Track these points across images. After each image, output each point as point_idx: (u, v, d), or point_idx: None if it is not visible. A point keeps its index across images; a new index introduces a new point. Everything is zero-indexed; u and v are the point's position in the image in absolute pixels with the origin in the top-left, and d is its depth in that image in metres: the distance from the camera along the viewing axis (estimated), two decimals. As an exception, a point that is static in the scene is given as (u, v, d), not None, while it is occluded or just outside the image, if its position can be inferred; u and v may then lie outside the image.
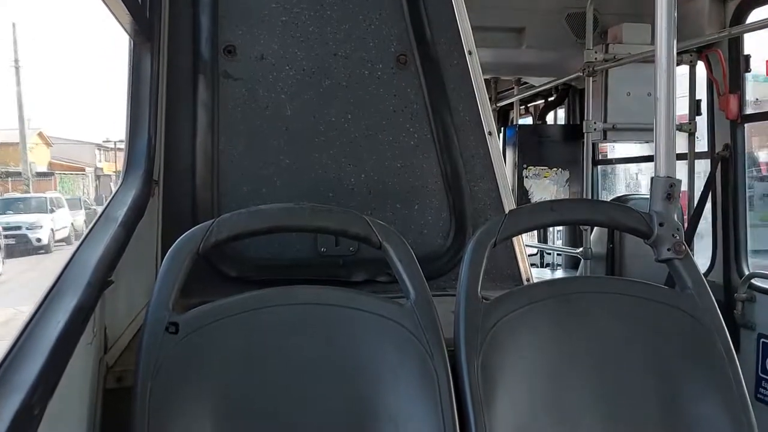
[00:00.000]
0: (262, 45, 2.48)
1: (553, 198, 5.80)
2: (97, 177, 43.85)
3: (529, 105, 7.20)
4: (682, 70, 4.29)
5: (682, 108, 4.37)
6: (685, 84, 4.39)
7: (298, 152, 2.49)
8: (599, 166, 6.15)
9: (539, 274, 5.84)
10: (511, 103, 6.86)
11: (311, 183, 2.49)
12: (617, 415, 1.73)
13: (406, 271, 1.74)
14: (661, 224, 1.86)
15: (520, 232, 2.08)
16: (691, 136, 4.40)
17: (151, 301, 1.64)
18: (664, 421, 1.73)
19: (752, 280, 3.85)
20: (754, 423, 1.71)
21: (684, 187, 4.28)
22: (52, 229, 23.61)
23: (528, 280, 2.52)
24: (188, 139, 2.42)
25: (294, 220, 1.84)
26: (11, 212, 23.69)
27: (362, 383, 1.66)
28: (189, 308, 1.66)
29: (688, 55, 4.20)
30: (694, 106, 4.39)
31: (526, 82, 6.46)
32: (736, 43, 3.98)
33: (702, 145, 4.37)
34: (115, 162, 44.39)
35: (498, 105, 6.99)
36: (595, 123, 4.80)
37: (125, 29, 2.08)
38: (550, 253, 6.57)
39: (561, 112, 6.75)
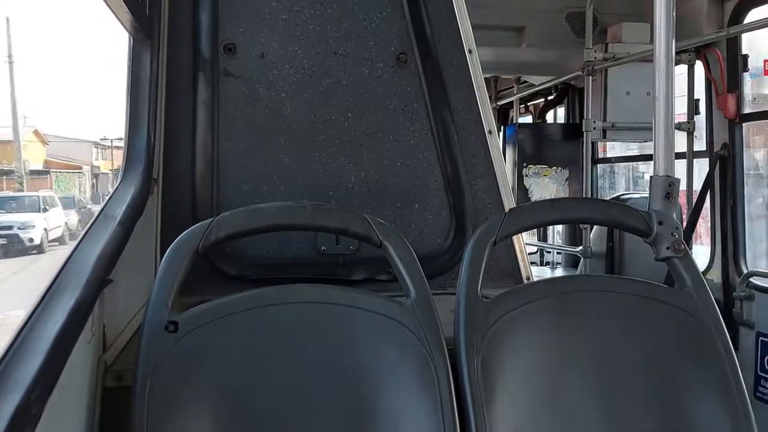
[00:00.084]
0: (262, 43, 2.48)
1: (553, 196, 5.81)
2: (95, 176, 43.68)
3: (528, 104, 7.21)
4: (681, 70, 4.30)
5: (680, 107, 4.38)
6: (683, 83, 4.40)
7: (298, 151, 2.49)
8: (599, 165, 6.15)
9: (539, 273, 5.85)
10: (511, 102, 6.86)
11: (311, 181, 2.49)
12: (617, 413, 1.74)
13: (407, 269, 1.74)
14: (660, 223, 1.86)
15: (520, 231, 2.08)
16: (690, 135, 4.40)
17: (150, 299, 1.64)
18: (663, 419, 1.73)
19: (751, 279, 3.86)
20: (753, 421, 1.71)
21: (683, 186, 4.28)
22: (45, 229, 23.10)
23: (528, 278, 2.52)
24: (188, 138, 2.42)
25: (294, 219, 1.84)
26: (3, 211, 23.10)
27: (362, 381, 1.66)
28: (188, 307, 1.66)
29: (686, 54, 4.20)
30: (693, 106, 4.40)
31: (525, 81, 6.46)
32: (734, 43, 3.99)
33: (701, 144, 4.37)
34: (112, 160, 44.22)
35: (498, 104, 6.99)
36: (594, 122, 4.81)
37: (125, 27, 2.08)
38: (549, 252, 6.57)
39: (561, 111, 6.76)
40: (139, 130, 2.18)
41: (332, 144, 2.51)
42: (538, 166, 6.00)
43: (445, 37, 2.54)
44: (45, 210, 24.01)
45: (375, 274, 2.41)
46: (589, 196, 5.42)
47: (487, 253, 1.80)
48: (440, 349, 1.67)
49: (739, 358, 1.80)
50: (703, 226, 4.48)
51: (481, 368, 1.67)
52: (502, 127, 6.52)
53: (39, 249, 22.16)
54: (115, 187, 2.09)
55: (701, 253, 4.39)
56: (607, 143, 6.04)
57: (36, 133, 38.92)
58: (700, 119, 4.36)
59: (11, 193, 28.10)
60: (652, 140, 1.96)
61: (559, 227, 6.45)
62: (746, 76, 4.05)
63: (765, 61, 4.12)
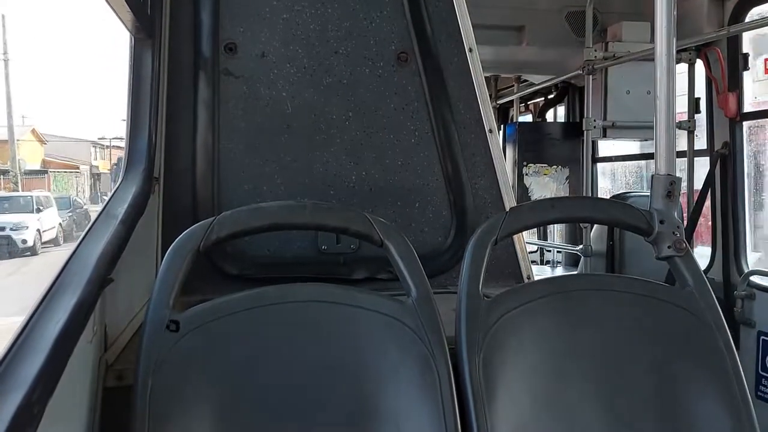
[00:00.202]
0: (263, 42, 2.48)
1: (553, 195, 5.81)
2: (93, 175, 43.47)
3: (529, 102, 7.20)
4: (682, 69, 4.30)
5: (681, 106, 4.37)
6: (684, 82, 4.39)
7: (299, 150, 2.49)
8: (599, 164, 6.15)
9: (539, 272, 5.85)
10: (511, 101, 6.85)
11: (312, 180, 2.49)
12: (618, 411, 1.73)
13: (408, 268, 1.74)
14: (661, 222, 1.86)
15: (521, 230, 2.08)
16: (691, 134, 4.40)
17: (151, 298, 1.64)
18: (665, 417, 1.73)
19: (752, 278, 3.85)
20: (754, 420, 1.71)
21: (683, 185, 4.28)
22: (38, 230, 22.44)
23: (529, 277, 2.52)
24: (189, 137, 2.42)
25: (295, 218, 1.84)
26: (-5, 212, 22.50)
27: (363, 381, 1.66)
28: (189, 306, 1.66)
29: (687, 53, 4.20)
30: (693, 104, 4.40)
31: (526, 80, 6.46)
32: (734, 42, 3.99)
33: (702, 143, 4.37)
34: (110, 160, 44.03)
35: (498, 102, 6.99)
36: (594, 121, 4.81)
37: (126, 26, 2.08)
38: (550, 251, 6.57)
39: (561, 110, 6.75)
40: (141, 129, 2.18)
41: (333, 143, 2.51)
42: (539, 164, 5.99)
43: (445, 36, 2.54)
44: (39, 210, 23.35)
45: (376, 273, 2.42)
46: (590, 194, 5.42)
47: (488, 252, 1.80)
48: (441, 348, 1.67)
49: (740, 357, 1.80)
50: (704, 225, 4.48)
51: (482, 367, 1.67)
52: (502, 126, 6.52)
53: (32, 251, 21.61)
54: (116, 187, 2.09)
55: (701, 254, 4.39)
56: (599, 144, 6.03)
57: (34, 132, 38.73)
58: (701, 118, 4.36)
59: (4, 193, 27.35)
60: (652, 139, 1.96)
61: (560, 226, 6.45)
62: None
63: (766, 60, 4.12)
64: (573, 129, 5.94)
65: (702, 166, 4.31)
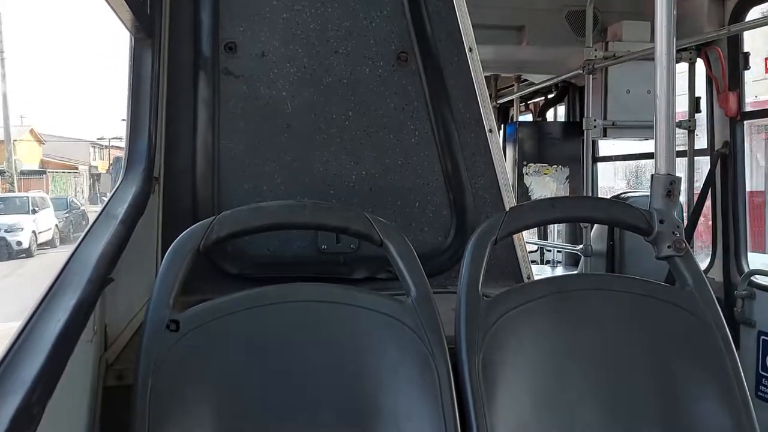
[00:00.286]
0: (263, 42, 2.48)
1: (553, 195, 5.81)
2: (92, 176, 43.30)
3: (529, 102, 7.20)
4: (682, 68, 4.30)
5: (681, 105, 4.37)
6: (684, 81, 4.39)
7: (299, 149, 2.49)
8: (598, 163, 6.15)
9: (539, 271, 5.85)
10: (512, 101, 6.85)
11: (312, 180, 2.49)
12: (618, 411, 1.73)
13: (407, 268, 1.74)
14: (661, 221, 1.86)
15: (521, 230, 2.08)
16: (691, 133, 4.40)
17: (151, 298, 1.64)
18: (665, 417, 1.73)
19: (752, 277, 3.85)
20: (754, 420, 1.71)
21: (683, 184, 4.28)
22: (33, 232, 21.97)
23: (528, 277, 2.52)
24: (189, 137, 2.42)
25: (295, 218, 1.84)
26: (-9, 213, 21.82)
27: (363, 380, 1.66)
28: (189, 306, 1.66)
29: (687, 52, 4.20)
30: (694, 104, 4.39)
31: (526, 80, 6.46)
32: (735, 41, 3.99)
33: (702, 142, 4.37)
34: (109, 160, 43.82)
35: (498, 102, 6.98)
36: (594, 120, 4.80)
37: (126, 26, 2.08)
38: (550, 250, 6.57)
39: (561, 110, 6.75)
40: (141, 129, 2.18)
41: (333, 143, 2.51)
42: (539, 164, 5.99)
43: (445, 35, 2.54)
44: (35, 212, 22.85)
45: (375, 273, 2.42)
46: (590, 194, 5.41)
47: (487, 252, 1.79)
48: (441, 348, 1.67)
49: (740, 357, 1.80)
50: (703, 224, 4.48)
51: (481, 367, 1.67)
52: (502, 126, 6.52)
53: (27, 253, 21.14)
54: (116, 186, 2.09)
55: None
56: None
57: (32, 132, 38.56)
58: (701, 117, 4.36)
59: (0, 194, 26.70)
60: (652, 138, 1.96)
61: (560, 226, 6.45)
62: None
63: (766, 59, 4.11)
64: (573, 128, 5.93)
65: (704, 165, 4.31)
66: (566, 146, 5.99)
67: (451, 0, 2.53)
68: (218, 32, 2.45)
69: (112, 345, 1.88)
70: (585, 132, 4.91)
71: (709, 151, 4.19)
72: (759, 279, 3.84)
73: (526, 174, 5.97)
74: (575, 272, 5.34)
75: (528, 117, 7.29)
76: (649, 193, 1.94)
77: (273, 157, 2.48)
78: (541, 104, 6.93)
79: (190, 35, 2.44)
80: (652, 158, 1.96)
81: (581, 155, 5.29)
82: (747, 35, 4.04)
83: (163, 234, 2.36)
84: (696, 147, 4.40)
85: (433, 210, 2.56)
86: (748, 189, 4.23)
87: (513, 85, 6.65)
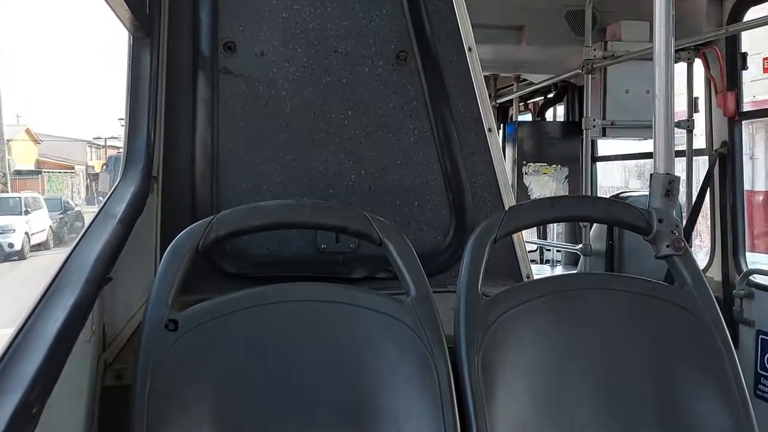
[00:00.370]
0: (262, 41, 2.48)
1: (553, 194, 5.81)
2: (89, 176, 43.06)
3: (528, 102, 7.21)
4: (680, 68, 4.30)
5: (680, 105, 4.38)
6: (683, 81, 4.40)
7: (298, 149, 2.49)
8: (606, 162, 6.16)
9: (539, 271, 5.85)
10: (511, 100, 6.85)
11: (311, 179, 2.49)
12: (617, 410, 1.74)
13: (407, 267, 1.74)
14: (660, 221, 1.86)
15: (520, 229, 2.08)
16: (689, 133, 4.40)
17: (150, 298, 1.64)
18: (663, 417, 1.73)
19: (751, 277, 3.86)
20: (753, 419, 1.71)
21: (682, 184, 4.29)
22: (26, 233, 21.42)
23: (528, 276, 2.52)
24: (188, 136, 2.42)
25: (294, 217, 1.83)
26: (-20, 215, 21.10)
27: (362, 380, 1.66)
28: (188, 305, 1.66)
29: (686, 52, 4.20)
30: (692, 104, 4.40)
31: (525, 79, 6.46)
32: (733, 41, 3.99)
33: (700, 142, 4.37)
34: (105, 160, 43.62)
35: (497, 102, 6.98)
36: (593, 120, 4.81)
37: (124, 25, 2.08)
38: (549, 250, 6.57)
39: (560, 109, 6.76)
40: (139, 128, 2.18)
41: (332, 142, 2.51)
42: (538, 164, 6.00)
43: (444, 35, 2.54)
44: (27, 213, 22.36)
45: (375, 272, 2.42)
46: (589, 194, 5.42)
47: (487, 251, 1.79)
48: (440, 347, 1.67)
49: (739, 356, 1.80)
50: (703, 224, 4.48)
51: (481, 366, 1.67)
52: (501, 125, 6.52)
53: (20, 255, 20.68)
54: (114, 186, 2.09)
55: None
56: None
57: (28, 131, 38.36)
58: (700, 117, 4.36)
59: None
60: (651, 138, 1.96)
61: (559, 225, 6.45)
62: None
63: (765, 59, 4.12)
64: (572, 128, 5.94)
65: (703, 165, 4.32)
66: (565, 146, 5.99)
67: (451, 0, 2.53)
68: (217, 31, 2.45)
69: (111, 345, 1.88)
70: (584, 131, 4.91)
71: (708, 150, 4.19)
72: (757, 278, 3.84)
73: (526, 173, 5.98)
74: (574, 271, 5.34)
75: (527, 116, 7.29)
76: (648, 193, 1.94)
77: (272, 157, 2.48)
78: (540, 104, 6.93)
79: (189, 34, 2.44)
80: (651, 158, 1.96)
81: (580, 155, 5.29)
82: (745, 35, 4.05)
83: (162, 233, 2.35)
84: (695, 147, 4.40)
85: (433, 209, 2.56)
86: (761, 189, 4.25)
87: (512, 85, 6.66)
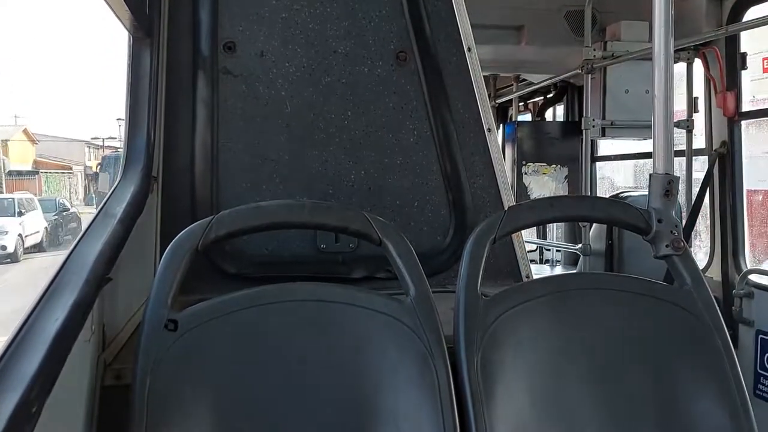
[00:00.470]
0: (262, 42, 2.48)
1: (552, 194, 5.81)
2: (87, 176, 42.76)
3: (528, 102, 7.21)
4: (680, 68, 4.30)
5: (680, 105, 4.38)
6: (683, 81, 4.40)
7: (298, 149, 2.49)
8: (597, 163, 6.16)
9: (538, 271, 5.86)
10: (510, 100, 6.86)
11: (311, 180, 2.49)
12: (616, 410, 1.74)
13: (406, 267, 1.74)
14: (659, 221, 1.86)
15: (520, 229, 2.08)
16: (689, 133, 4.41)
17: (149, 298, 1.64)
18: (663, 417, 1.73)
19: (750, 277, 3.86)
20: (752, 419, 1.71)
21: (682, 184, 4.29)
22: (20, 235, 20.75)
23: (527, 276, 2.52)
24: (187, 136, 2.42)
25: (293, 217, 1.83)
26: (-28, 217, 20.39)
27: (362, 380, 1.66)
28: (188, 305, 1.66)
29: (685, 52, 4.21)
30: (692, 104, 4.40)
31: (525, 79, 6.47)
32: (732, 41, 4.00)
33: (700, 142, 4.38)
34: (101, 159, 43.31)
35: (497, 102, 6.99)
36: (593, 120, 4.81)
37: (124, 25, 2.08)
38: (549, 250, 6.58)
39: (560, 109, 6.76)
40: (139, 128, 2.18)
41: (332, 142, 2.51)
42: (537, 164, 6.00)
43: (444, 35, 2.54)
44: (21, 214, 21.67)
45: (374, 272, 2.42)
46: (589, 194, 5.42)
47: (486, 251, 1.80)
48: (440, 347, 1.67)
49: (738, 356, 1.80)
50: (702, 224, 4.49)
51: (480, 366, 1.67)
52: (501, 125, 6.52)
53: (13, 258, 20.03)
54: (114, 186, 2.09)
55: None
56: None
57: (25, 132, 38.16)
58: (700, 117, 4.37)
59: None
60: (651, 138, 1.96)
61: (559, 225, 6.45)
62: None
63: (764, 59, 4.13)
64: (572, 128, 5.94)
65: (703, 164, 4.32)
66: (565, 146, 6.00)
67: (450, 0, 2.53)
68: (217, 32, 2.45)
69: (111, 344, 1.88)
70: (584, 131, 4.91)
71: (707, 150, 4.20)
72: (757, 278, 3.85)
73: (525, 173, 5.98)
74: (574, 271, 5.34)
75: (527, 117, 7.29)
76: (647, 193, 1.94)
77: (272, 157, 2.48)
78: (539, 104, 6.93)
79: (189, 34, 2.44)
80: (651, 158, 1.97)
81: (580, 155, 5.29)
82: (744, 35, 4.05)
83: (162, 233, 2.36)
84: (694, 147, 4.40)
85: (432, 209, 2.56)
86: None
87: (512, 85, 6.66)
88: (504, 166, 2.64)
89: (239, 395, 1.61)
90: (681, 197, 4.32)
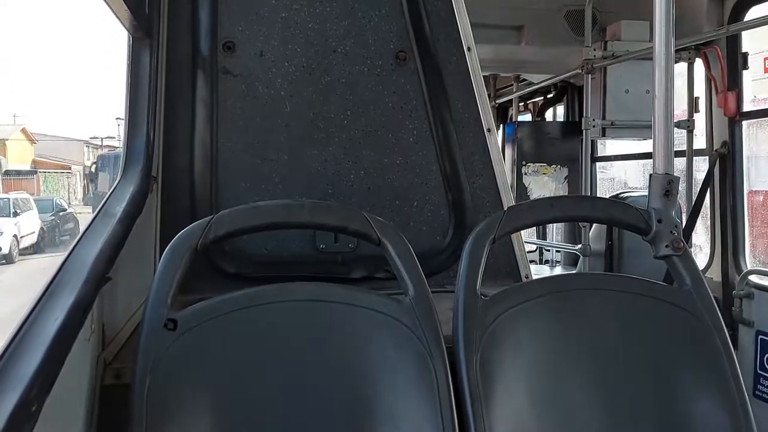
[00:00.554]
0: (262, 41, 2.48)
1: (552, 195, 5.81)
2: (86, 176, 42.50)
3: (528, 102, 7.21)
4: (681, 68, 4.30)
5: (680, 105, 4.38)
6: (683, 81, 4.40)
7: (297, 149, 2.49)
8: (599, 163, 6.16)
9: (538, 271, 5.86)
10: (510, 100, 6.86)
11: (310, 179, 2.49)
12: (615, 410, 1.74)
13: (405, 267, 1.74)
14: (659, 221, 1.86)
15: (519, 229, 2.08)
16: (690, 133, 4.40)
17: (149, 297, 1.64)
18: (662, 417, 1.73)
19: (750, 277, 3.86)
20: (752, 420, 1.71)
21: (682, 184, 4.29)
22: (15, 236, 20.31)
23: (527, 276, 2.52)
24: (187, 136, 2.42)
25: (293, 217, 1.83)
26: (-34, 217, 19.92)
27: (361, 380, 1.66)
28: (187, 305, 1.66)
29: (686, 52, 4.21)
30: (693, 104, 4.40)
31: (525, 79, 6.46)
32: (734, 41, 3.99)
33: (700, 143, 4.37)
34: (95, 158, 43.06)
35: (497, 102, 6.99)
36: (593, 120, 4.81)
37: (124, 25, 2.08)
38: (549, 250, 6.57)
39: (560, 109, 6.75)
40: (139, 128, 2.18)
41: (331, 142, 2.51)
42: (537, 164, 6.00)
43: (444, 35, 2.54)
44: (16, 214, 21.18)
45: (374, 272, 2.42)
46: (589, 194, 5.42)
47: (486, 251, 1.79)
48: (439, 347, 1.67)
49: (738, 356, 1.80)
50: (702, 224, 4.49)
51: (479, 366, 1.67)
52: (501, 125, 6.52)
53: (8, 259, 19.62)
54: (114, 186, 2.09)
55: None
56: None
57: (24, 131, 38.00)
58: (700, 117, 4.36)
59: None
60: (651, 138, 1.96)
61: (559, 225, 6.45)
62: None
63: (766, 59, 4.12)
64: (572, 128, 5.94)
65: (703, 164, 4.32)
66: (565, 146, 5.99)
67: (450, 0, 2.53)
68: (217, 31, 2.45)
69: (110, 344, 1.88)
70: (584, 132, 4.91)
71: (708, 151, 4.20)
72: (757, 279, 3.84)
73: (525, 174, 5.98)
74: (573, 272, 5.34)
75: (527, 117, 7.29)
76: (647, 193, 1.94)
77: (271, 156, 2.48)
78: (539, 104, 6.93)
79: (189, 34, 2.44)
80: (650, 158, 1.97)
81: (580, 155, 5.29)
82: (745, 34, 4.05)
83: (161, 233, 2.36)
84: (695, 147, 4.40)
85: (432, 209, 2.56)
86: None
87: (512, 85, 6.66)
88: (503, 166, 2.64)
89: (238, 394, 1.61)
90: (681, 197, 4.32)
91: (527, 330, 1.76)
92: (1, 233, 19.84)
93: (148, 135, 2.18)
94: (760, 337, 3.74)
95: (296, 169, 2.49)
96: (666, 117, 1.92)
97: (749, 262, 4.06)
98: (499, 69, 6.33)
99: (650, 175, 1.94)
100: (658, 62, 1.91)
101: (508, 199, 2.57)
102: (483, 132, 2.55)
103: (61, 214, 26.07)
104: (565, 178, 5.99)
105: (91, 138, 47.22)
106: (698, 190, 4.20)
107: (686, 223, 4.12)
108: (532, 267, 2.65)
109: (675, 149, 1.96)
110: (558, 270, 6.24)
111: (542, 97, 6.81)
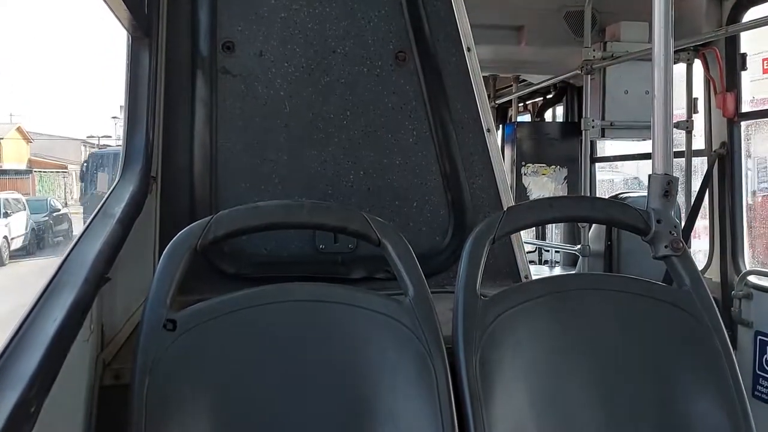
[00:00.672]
0: (261, 41, 2.48)
1: (551, 195, 5.82)
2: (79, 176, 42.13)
3: (527, 102, 7.21)
4: (680, 69, 4.30)
5: (679, 106, 4.38)
6: (682, 82, 4.40)
7: (297, 149, 2.49)
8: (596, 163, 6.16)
9: (537, 271, 5.86)
10: (510, 101, 6.86)
11: (310, 180, 2.49)
12: (615, 411, 1.74)
13: (405, 267, 1.74)
14: (658, 221, 1.86)
15: (519, 229, 2.08)
16: (688, 134, 4.41)
17: (148, 298, 1.64)
18: (661, 417, 1.73)
19: (749, 277, 3.86)
20: (751, 420, 1.71)
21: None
22: (5, 237, 19.47)
23: (526, 277, 2.52)
24: (186, 136, 2.42)
25: (292, 217, 1.83)
26: (-46, 218, 18.84)
27: (360, 380, 1.66)
28: (186, 305, 1.66)
29: (685, 53, 4.22)
30: (691, 104, 4.41)
31: (524, 80, 6.47)
32: (732, 42, 4.00)
33: (699, 143, 4.38)
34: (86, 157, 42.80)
35: (496, 102, 6.99)
36: (593, 120, 4.82)
37: (123, 25, 2.08)
38: (548, 250, 6.58)
39: (559, 110, 6.76)
40: (138, 128, 2.18)
41: (331, 142, 2.51)
42: (537, 164, 6.01)
43: (443, 35, 2.54)
44: (7, 215, 20.55)
45: (373, 273, 2.41)
46: (588, 194, 5.42)
47: (485, 251, 1.80)
48: (438, 348, 1.67)
49: (737, 357, 1.80)
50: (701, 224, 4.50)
51: (479, 366, 1.67)
52: (500, 126, 6.53)
53: None
54: (113, 186, 2.09)
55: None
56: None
57: (19, 130, 37.77)
58: (699, 118, 4.37)
59: None
60: (650, 139, 1.96)
61: (558, 226, 6.46)
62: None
63: (764, 59, 4.13)
64: (571, 129, 5.95)
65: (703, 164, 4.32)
66: (564, 146, 6.00)
67: (450, 0, 2.53)
68: (216, 31, 2.45)
69: (109, 344, 1.88)
70: (583, 132, 4.92)
71: (707, 151, 4.20)
72: (756, 279, 3.85)
73: (525, 174, 5.98)
74: (573, 272, 5.34)
75: (526, 117, 7.30)
76: (646, 194, 1.94)
77: (271, 157, 2.48)
78: (539, 104, 6.94)
79: (188, 34, 2.43)
80: (650, 158, 1.97)
81: (579, 155, 5.29)
82: (744, 35, 4.05)
83: (161, 233, 2.35)
84: (694, 148, 4.40)
85: (431, 210, 2.56)
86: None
87: (511, 86, 6.67)
88: (503, 166, 2.64)
89: (237, 395, 1.61)
90: (680, 198, 4.32)
91: (527, 330, 1.76)
92: (-10, 234, 19.21)
93: (147, 135, 2.18)
94: (759, 337, 3.75)
95: (296, 170, 2.49)
96: (665, 118, 1.92)
97: (748, 263, 4.07)
98: (499, 69, 6.33)
99: (649, 176, 1.95)
100: (657, 63, 1.91)
101: (508, 200, 2.57)
102: (482, 132, 2.55)
103: (54, 214, 25.29)
104: (565, 179, 5.99)
105: (88, 137, 47.13)
106: (697, 190, 4.21)
107: (685, 223, 4.13)
108: (532, 267, 2.64)
109: (674, 150, 1.96)
110: (557, 270, 6.24)
111: (542, 98, 6.82)
